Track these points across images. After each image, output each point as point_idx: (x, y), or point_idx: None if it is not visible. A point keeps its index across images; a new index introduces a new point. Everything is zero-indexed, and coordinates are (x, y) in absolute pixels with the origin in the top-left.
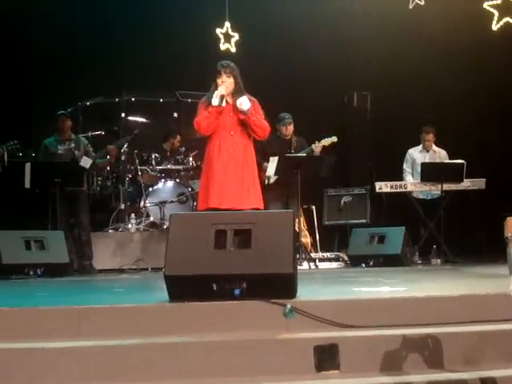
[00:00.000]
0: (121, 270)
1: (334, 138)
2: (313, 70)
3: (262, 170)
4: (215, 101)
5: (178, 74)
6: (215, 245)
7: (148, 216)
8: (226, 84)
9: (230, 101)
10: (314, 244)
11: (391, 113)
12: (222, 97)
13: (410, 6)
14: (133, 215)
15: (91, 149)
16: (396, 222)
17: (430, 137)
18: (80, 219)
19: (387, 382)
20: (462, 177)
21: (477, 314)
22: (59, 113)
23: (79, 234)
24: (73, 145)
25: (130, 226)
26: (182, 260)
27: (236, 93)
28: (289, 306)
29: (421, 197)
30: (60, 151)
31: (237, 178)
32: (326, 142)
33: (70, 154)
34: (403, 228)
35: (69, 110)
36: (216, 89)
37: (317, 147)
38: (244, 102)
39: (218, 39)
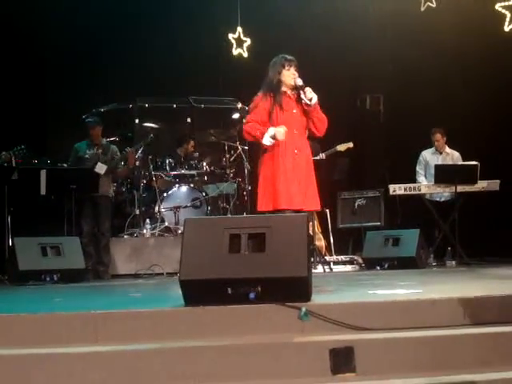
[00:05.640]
0: (136, 275)
1: (350, 144)
2: (325, 73)
3: None
4: (267, 140)
5: (190, 80)
6: (229, 249)
7: (163, 221)
8: (296, 76)
9: (291, 95)
10: (328, 247)
11: (404, 115)
12: (281, 135)
13: (422, 9)
14: (148, 220)
15: (118, 156)
16: (410, 225)
17: (438, 137)
18: (100, 225)
19: None
20: (475, 178)
21: (493, 316)
22: (87, 120)
23: (99, 239)
24: (100, 150)
25: (145, 231)
26: (196, 264)
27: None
28: (304, 310)
29: (434, 199)
30: (87, 155)
31: (300, 180)
32: (342, 147)
33: (96, 159)
34: (418, 230)
35: (83, 116)
36: (280, 77)
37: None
38: (313, 93)
39: (231, 44)
